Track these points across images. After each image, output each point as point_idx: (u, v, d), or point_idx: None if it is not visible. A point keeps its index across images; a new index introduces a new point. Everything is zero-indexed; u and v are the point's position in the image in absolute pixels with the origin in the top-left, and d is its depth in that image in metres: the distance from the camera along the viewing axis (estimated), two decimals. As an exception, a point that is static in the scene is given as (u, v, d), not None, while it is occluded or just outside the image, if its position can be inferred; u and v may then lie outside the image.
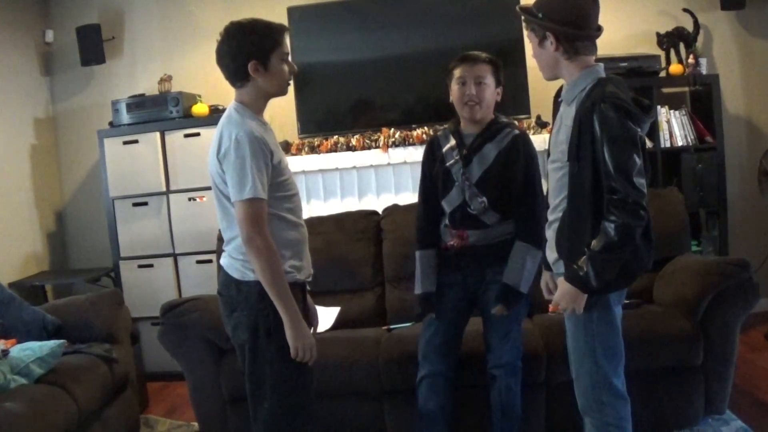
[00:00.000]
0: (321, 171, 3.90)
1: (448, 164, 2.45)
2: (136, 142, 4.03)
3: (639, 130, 1.82)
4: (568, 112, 1.92)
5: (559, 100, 2.02)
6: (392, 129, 3.83)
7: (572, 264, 1.85)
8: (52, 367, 2.65)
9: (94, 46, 4.29)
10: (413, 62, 3.99)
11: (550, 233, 2.01)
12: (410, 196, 3.72)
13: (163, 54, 4.49)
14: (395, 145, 3.81)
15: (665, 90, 4.16)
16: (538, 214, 2.32)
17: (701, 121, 3.97)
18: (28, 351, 2.64)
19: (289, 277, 1.98)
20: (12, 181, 4.16)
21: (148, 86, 4.35)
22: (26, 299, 3.12)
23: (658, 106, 3.90)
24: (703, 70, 3.99)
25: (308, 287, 2.16)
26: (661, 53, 4.08)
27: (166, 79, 4.21)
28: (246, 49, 1.97)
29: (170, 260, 4.06)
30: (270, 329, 1.98)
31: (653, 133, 3.87)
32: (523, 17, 1.98)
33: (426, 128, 3.77)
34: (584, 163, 1.82)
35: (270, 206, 1.96)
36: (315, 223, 3.23)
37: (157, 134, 4.02)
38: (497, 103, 2.48)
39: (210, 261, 3.92)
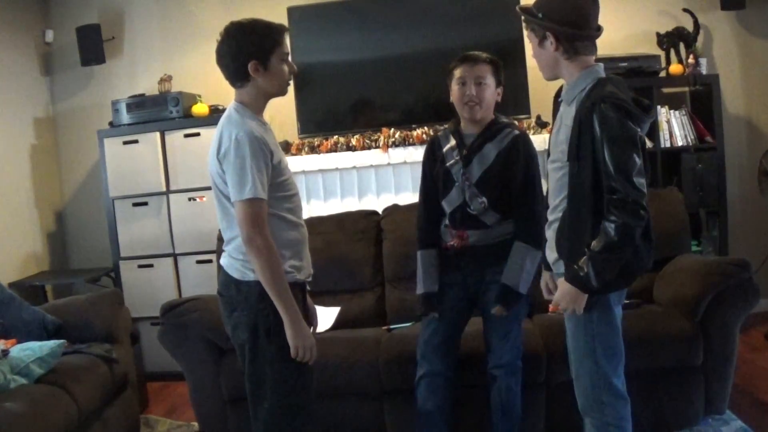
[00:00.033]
0: (321, 171, 3.90)
1: (448, 164, 2.45)
2: (136, 142, 4.03)
3: (639, 130, 1.82)
4: (568, 112, 1.92)
5: (559, 100, 2.02)
6: (392, 129, 3.83)
7: (572, 264, 1.85)
8: (52, 367, 2.65)
9: (94, 46, 4.29)
10: (413, 62, 3.99)
11: (550, 233, 2.01)
12: (410, 196, 3.72)
13: (163, 54, 4.50)
14: (395, 145, 3.81)
15: (665, 90, 4.16)
16: (537, 214, 2.32)
17: (701, 121, 3.97)
18: (28, 351, 2.64)
19: (289, 277, 1.98)
20: (12, 181, 4.16)
21: (148, 86, 4.35)
22: (26, 299, 3.13)
23: (658, 106, 3.90)
24: (703, 70, 3.99)
25: (308, 287, 2.16)
26: (661, 53, 4.08)
27: (166, 79, 4.21)
28: (246, 49, 1.97)
29: (170, 260, 4.06)
30: (270, 329, 1.98)
31: (653, 133, 3.87)
32: (523, 17, 1.98)
33: (426, 128, 3.77)
34: (584, 163, 1.82)
35: (270, 206, 1.96)
36: (315, 223, 3.23)
37: (157, 134, 4.02)
38: (497, 103, 2.48)
39: (210, 261, 3.92)
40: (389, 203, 3.59)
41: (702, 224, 3.94)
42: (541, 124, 3.83)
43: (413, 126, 3.85)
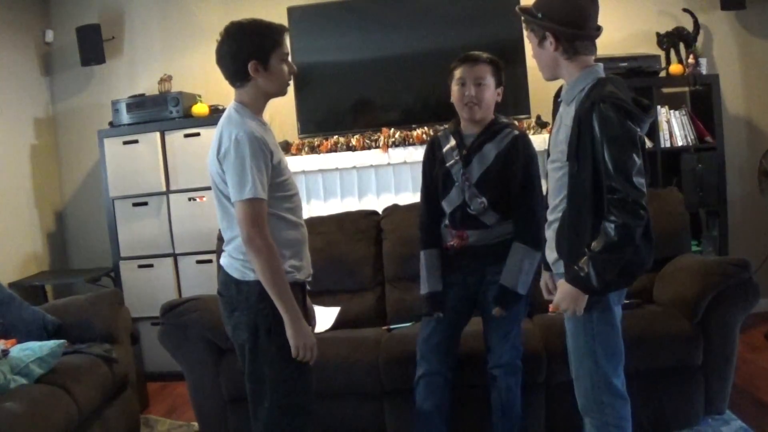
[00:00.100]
0: (321, 171, 3.90)
1: (448, 165, 2.45)
2: (136, 142, 4.03)
3: (639, 129, 1.82)
4: (567, 112, 1.92)
5: (559, 100, 2.02)
6: (392, 129, 3.83)
7: (572, 265, 1.85)
8: (52, 367, 2.65)
9: (94, 46, 4.29)
10: (413, 62, 3.99)
11: (550, 233, 2.01)
12: (410, 196, 3.72)
13: (163, 54, 4.50)
14: (395, 145, 3.81)
15: (665, 90, 4.16)
16: (537, 214, 2.32)
17: (701, 121, 3.97)
18: (28, 351, 2.64)
19: (289, 277, 1.98)
20: (12, 181, 4.16)
21: (148, 86, 4.35)
22: (26, 299, 3.13)
23: (658, 106, 3.90)
24: (703, 70, 3.99)
25: (308, 287, 2.16)
26: (661, 53, 4.08)
27: (166, 79, 4.21)
28: (246, 49, 1.97)
29: (170, 260, 4.06)
30: (270, 329, 1.98)
31: (653, 133, 3.87)
32: (522, 17, 1.98)
33: (426, 128, 3.77)
34: (584, 162, 1.82)
35: (270, 206, 1.96)
36: (315, 223, 3.23)
37: (157, 134, 4.02)
38: (498, 103, 2.48)
39: (210, 261, 3.92)
40: (389, 203, 3.58)
41: (702, 224, 3.95)
42: (541, 124, 3.83)
43: (413, 126, 3.85)
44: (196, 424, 3.07)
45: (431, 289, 2.49)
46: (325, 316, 3.11)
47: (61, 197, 4.65)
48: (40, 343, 2.70)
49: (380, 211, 3.50)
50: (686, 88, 4.15)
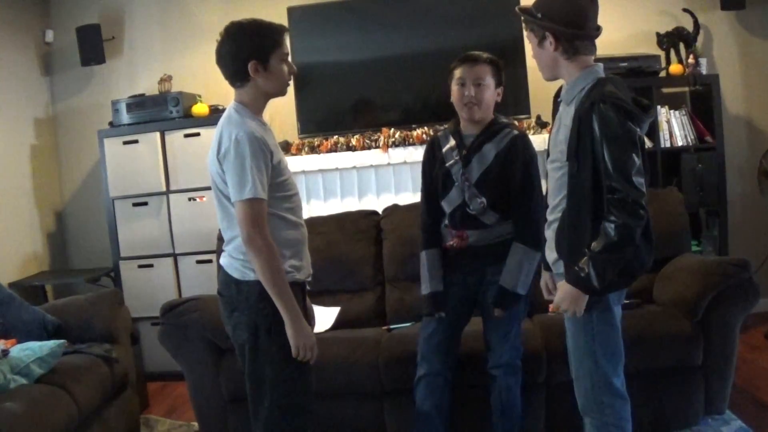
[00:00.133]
0: (321, 171, 3.90)
1: (447, 165, 2.45)
2: (136, 142, 4.03)
3: (638, 129, 1.82)
4: (567, 112, 1.92)
5: (559, 100, 2.02)
6: (392, 129, 3.83)
7: (573, 265, 1.85)
8: (52, 367, 2.65)
9: (94, 46, 4.29)
10: (413, 62, 3.99)
11: (550, 233, 2.01)
12: (410, 196, 3.72)
13: (163, 54, 4.50)
14: (395, 145, 3.81)
15: (665, 90, 4.16)
16: (536, 214, 2.32)
17: (701, 121, 3.97)
18: (28, 351, 2.64)
19: (289, 277, 1.98)
20: (12, 181, 4.16)
21: (148, 86, 4.35)
22: (26, 299, 3.13)
23: (658, 106, 3.90)
24: (703, 70, 3.99)
25: (308, 287, 2.16)
26: (661, 53, 4.08)
27: (166, 79, 4.21)
28: (246, 50, 1.97)
29: (170, 260, 4.06)
30: (270, 329, 1.98)
31: (653, 133, 3.87)
32: (522, 17, 1.98)
33: (426, 128, 3.77)
34: (583, 162, 1.82)
35: (270, 206, 1.96)
36: (315, 223, 3.23)
37: (157, 134, 4.02)
38: (498, 103, 2.48)
39: (210, 261, 3.92)
40: (389, 203, 3.58)
41: (702, 224, 3.94)
42: (541, 124, 3.83)
43: (413, 126, 3.85)
44: (196, 424, 3.07)
45: (433, 289, 2.49)
46: (325, 316, 3.11)
47: (61, 197, 4.65)
48: (40, 343, 2.70)
49: (380, 211, 3.50)
50: (686, 88, 4.15)
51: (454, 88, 2.43)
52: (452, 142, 2.47)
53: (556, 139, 1.98)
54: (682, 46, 4.07)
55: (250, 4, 4.17)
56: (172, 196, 4.03)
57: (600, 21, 1.93)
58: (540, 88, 3.61)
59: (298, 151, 3.91)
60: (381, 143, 3.81)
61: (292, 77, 2.08)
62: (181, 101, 3.99)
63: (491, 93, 2.42)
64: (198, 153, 3.85)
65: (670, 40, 4.07)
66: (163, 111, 4.01)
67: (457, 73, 2.43)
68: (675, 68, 4.02)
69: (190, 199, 4.01)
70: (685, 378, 2.72)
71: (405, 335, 2.87)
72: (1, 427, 2.20)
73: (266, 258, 1.91)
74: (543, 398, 2.71)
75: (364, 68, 4.07)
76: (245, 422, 2.27)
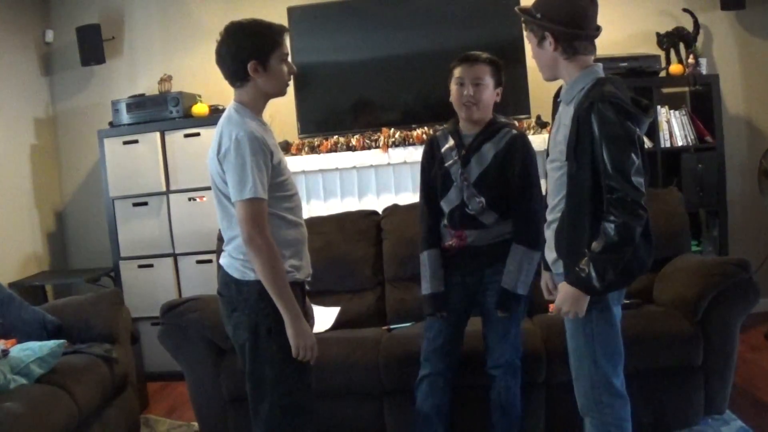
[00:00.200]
0: (321, 171, 3.90)
1: (447, 164, 2.45)
2: (136, 142, 4.03)
3: (637, 129, 1.82)
4: (566, 112, 1.92)
5: (559, 100, 2.02)
6: (392, 129, 3.83)
7: (573, 266, 1.84)
8: (52, 367, 2.65)
9: (94, 46, 4.29)
10: (413, 62, 3.99)
11: (549, 233, 2.01)
12: (410, 196, 3.72)
13: (163, 54, 4.50)
14: (395, 145, 3.81)
15: (665, 90, 4.16)
16: (535, 214, 2.32)
17: (701, 121, 3.97)
18: (28, 351, 2.64)
19: (289, 277, 1.98)
20: (12, 181, 4.16)
21: (148, 86, 4.35)
22: (26, 299, 3.12)
23: (658, 106, 3.90)
24: (703, 70, 3.99)
25: (308, 287, 2.16)
26: (661, 53, 4.08)
27: (166, 79, 4.21)
28: (246, 50, 1.97)
29: (170, 260, 4.06)
30: (270, 328, 1.98)
31: (653, 133, 3.87)
32: (522, 18, 1.98)
33: (426, 128, 3.77)
34: (582, 162, 1.82)
35: (270, 206, 1.96)
36: (315, 223, 3.23)
37: (157, 134, 4.02)
38: (497, 103, 2.48)
39: (210, 261, 3.92)
40: (389, 203, 3.58)
41: (702, 224, 3.94)
42: (541, 124, 3.83)
43: (413, 126, 3.85)
44: (196, 424, 3.07)
45: (434, 290, 2.48)
46: (325, 316, 3.12)
47: (61, 197, 4.65)
48: (40, 343, 2.70)
49: (380, 211, 3.50)
50: (686, 88, 4.15)
51: (453, 87, 2.43)
52: (451, 142, 2.47)
53: (556, 139, 1.98)
54: (682, 46, 4.08)
55: (250, 4, 4.17)
56: (172, 196, 4.03)
57: (600, 21, 1.93)
58: (540, 88, 3.61)
59: (298, 151, 3.91)
60: (381, 143, 3.81)
61: (291, 77, 2.08)
62: (181, 101, 3.99)
63: (490, 93, 2.41)
64: (198, 153, 3.86)
65: (670, 40, 4.07)
66: (163, 111, 4.01)
67: (456, 72, 2.43)
68: (675, 68, 4.03)
69: (190, 199, 4.01)
70: (685, 378, 2.72)
71: (405, 335, 2.87)
72: (1, 427, 2.20)
73: (267, 258, 1.91)
74: (543, 398, 2.71)
75: (364, 68, 4.07)
76: (245, 422, 2.28)
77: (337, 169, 3.88)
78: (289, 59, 2.07)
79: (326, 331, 3.04)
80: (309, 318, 2.20)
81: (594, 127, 1.79)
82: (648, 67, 3.90)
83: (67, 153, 4.63)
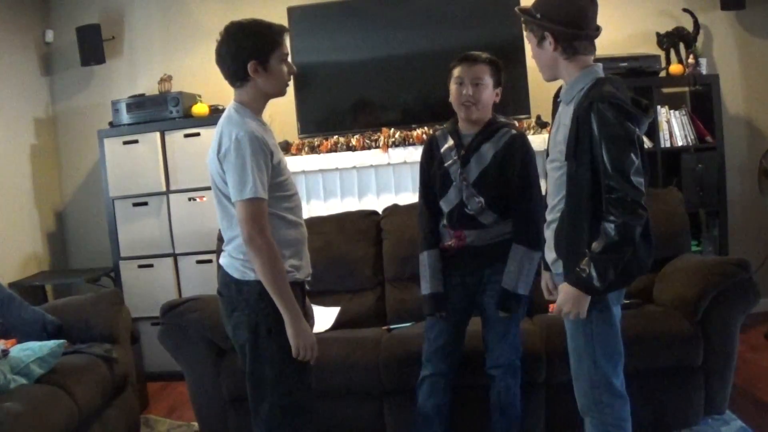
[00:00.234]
0: (321, 171, 3.90)
1: (446, 164, 2.45)
2: (136, 142, 4.03)
3: (637, 129, 1.82)
4: (566, 112, 1.92)
5: (558, 100, 2.02)
6: (392, 129, 3.83)
7: (573, 266, 1.84)
8: (52, 367, 2.65)
9: (94, 46, 4.29)
10: (413, 62, 3.99)
11: (549, 233, 2.01)
12: (410, 196, 3.72)
13: (163, 54, 4.50)
14: (395, 145, 3.81)
15: (665, 90, 4.16)
16: (535, 214, 2.32)
17: (701, 121, 3.97)
18: (28, 351, 2.64)
19: (289, 277, 1.98)
20: (12, 181, 4.16)
21: (148, 86, 4.35)
22: (26, 299, 3.12)
23: (658, 106, 3.90)
24: (703, 70, 3.99)
25: (308, 287, 2.16)
26: (661, 53, 4.08)
27: (166, 79, 4.21)
28: (246, 50, 1.97)
29: (170, 260, 4.06)
30: (270, 328, 1.98)
31: (653, 133, 3.87)
32: (522, 18, 1.98)
33: (426, 128, 3.77)
34: (582, 162, 1.82)
35: (269, 206, 1.96)
36: (315, 223, 3.23)
37: (157, 134, 4.02)
38: (497, 103, 2.48)
39: (210, 261, 3.92)
40: (389, 203, 3.58)
41: (702, 224, 3.94)
42: (541, 124, 3.83)
43: (413, 126, 3.85)
44: (196, 424, 3.07)
45: (433, 290, 2.48)
46: (325, 316, 3.12)
47: (61, 197, 4.65)
48: (40, 343, 2.70)
49: (380, 211, 3.50)
50: (686, 88, 4.15)
51: (453, 87, 2.43)
52: (450, 142, 2.47)
53: (555, 139, 1.98)
54: (682, 46, 4.08)
55: (250, 4, 4.17)
56: (172, 196, 4.03)
57: (600, 21, 1.93)
58: (540, 88, 3.60)
59: (298, 151, 3.91)
60: (381, 143, 3.81)
61: (291, 77, 2.08)
62: (181, 101, 3.99)
63: (489, 93, 2.41)
64: (198, 153, 3.85)
65: (670, 40, 4.07)
66: (163, 111, 4.01)
67: (456, 72, 2.43)
68: (675, 68, 4.02)
69: (190, 199, 4.01)
70: (685, 378, 2.72)
71: (405, 335, 2.87)
72: (1, 427, 2.20)
73: (267, 257, 1.91)
74: (543, 398, 2.71)
75: (364, 68, 4.07)
76: (245, 422, 2.28)
77: (337, 169, 3.88)
78: (289, 59, 2.07)
79: (326, 331, 3.04)
80: (309, 318, 2.20)
81: (593, 127, 1.79)
82: (648, 67, 3.90)
83: (67, 153, 4.63)
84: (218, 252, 2.88)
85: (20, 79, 4.31)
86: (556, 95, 2.05)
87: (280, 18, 3.42)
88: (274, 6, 4.05)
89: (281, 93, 2.08)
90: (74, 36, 4.30)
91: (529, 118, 3.89)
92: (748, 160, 4.23)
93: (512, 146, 2.39)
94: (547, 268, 2.14)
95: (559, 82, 2.00)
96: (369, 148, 3.85)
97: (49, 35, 4.53)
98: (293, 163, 3.75)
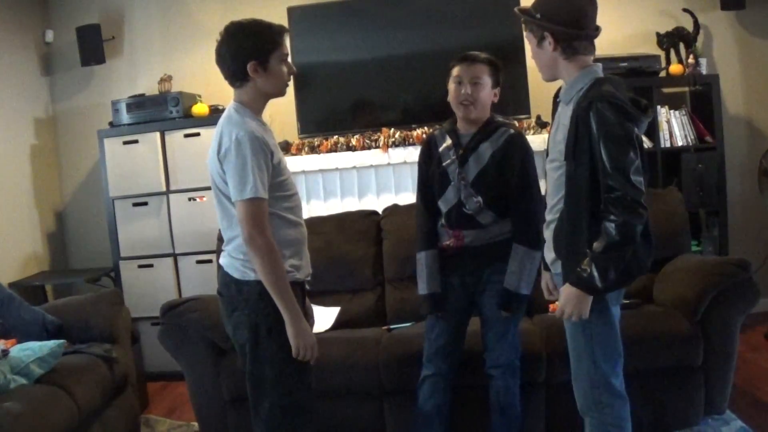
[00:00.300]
0: (321, 171, 3.90)
1: (444, 164, 2.45)
2: (136, 142, 4.03)
3: (636, 129, 1.82)
4: (565, 112, 1.92)
5: (558, 100, 2.02)
6: (392, 129, 3.83)
7: (574, 267, 1.84)
8: (52, 367, 2.65)
9: (94, 46, 4.29)
10: (413, 62, 3.99)
11: (548, 233, 2.01)
12: (410, 196, 3.72)
13: (163, 54, 4.50)
14: (395, 145, 3.81)
15: (665, 90, 4.16)
16: (535, 213, 2.32)
17: (701, 121, 3.97)
18: (28, 351, 2.64)
19: (289, 276, 1.99)
20: (12, 181, 4.16)
21: (148, 86, 4.35)
22: (26, 299, 3.12)
23: (658, 106, 3.90)
24: (703, 70, 3.99)
25: (308, 287, 2.16)
26: (661, 53, 4.08)
27: (166, 79, 4.21)
28: (246, 50, 1.97)
29: (170, 260, 4.06)
30: (271, 328, 1.98)
31: (653, 133, 3.87)
32: (521, 18, 1.98)
33: (426, 128, 3.77)
34: (581, 162, 1.82)
35: (270, 206, 1.96)
36: (315, 223, 3.23)
37: (157, 134, 4.02)
38: (496, 103, 2.47)
39: (210, 261, 3.92)
40: (389, 203, 3.59)
41: (702, 224, 3.94)
42: (541, 124, 3.83)
43: (413, 126, 3.85)
44: (196, 424, 3.07)
45: (431, 289, 2.48)
46: (325, 316, 3.12)
47: (61, 197, 4.65)
48: (40, 343, 2.70)
49: (380, 211, 3.50)
50: (686, 88, 4.15)
51: (451, 86, 2.43)
52: (449, 141, 2.47)
53: (555, 138, 1.98)
54: (682, 46, 4.08)
55: (250, 4, 4.17)
56: (172, 196, 4.04)
57: (600, 21, 1.93)
58: (540, 88, 3.61)
59: (298, 151, 3.91)
60: (381, 143, 3.81)
61: (291, 77, 2.08)
62: (181, 101, 3.99)
63: (488, 92, 2.41)
64: (198, 153, 3.86)
65: (670, 40, 4.07)
66: (163, 111, 4.01)
67: (455, 71, 2.43)
68: (675, 68, 4.02)
69: (190, 199, 4.01)
70: (685, 378, 2.72)
71: (405, 335, 2.87)
72: (1, 427, 2.20)
73: (267, 257, 1.91)
74: (543, 398, 2.71)
75: (364, 68, 4.07)
76: (245, 422, 2.27)
77: (337, 169, 3.88)
78: (289, 59, 2.07)
79: (326, 331, 3.04)
80: (309, 318, 2.20)
81: (593, 127, 1.79)
82: (648, 67, 3.90)
83: (67, 153, 4.63)
84: (218, 252, 2.88)
85: (20, 79, 4.31)
86: (556, 95, 2.05)
87: (280, 18, 3.42)
88: (274, 6, 4.05)
89: (281, 93, 2.08)
90: (74, 36, 4.31)
91: (529, 118, 3.89)
92: (748, 160, 4.23)
93: (511, 146, 2.39)
94: (547, 268, 2.14)
95: (559, 82, 2.00)
96: (369, 148, 3.85)
97: (49, 35, 4.53)
98: (293, 163, 3.75)
